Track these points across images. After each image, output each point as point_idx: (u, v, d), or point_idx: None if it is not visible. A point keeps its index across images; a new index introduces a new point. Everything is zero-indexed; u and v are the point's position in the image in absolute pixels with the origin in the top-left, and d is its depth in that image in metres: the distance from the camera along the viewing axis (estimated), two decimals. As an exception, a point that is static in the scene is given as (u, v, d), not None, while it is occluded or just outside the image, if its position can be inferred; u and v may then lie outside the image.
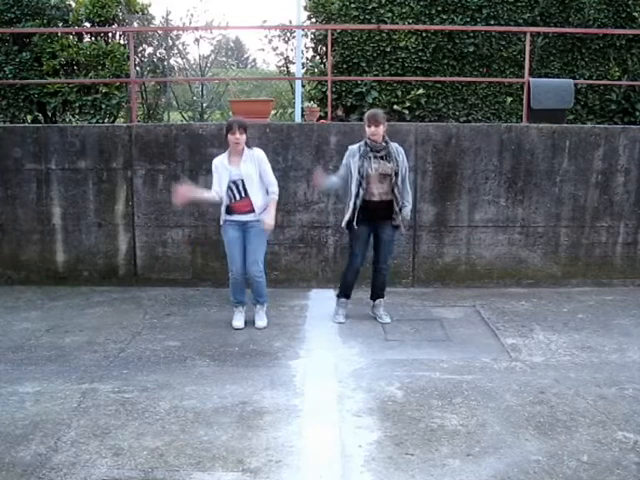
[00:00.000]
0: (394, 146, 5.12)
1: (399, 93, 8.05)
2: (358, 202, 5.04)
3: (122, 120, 8.85)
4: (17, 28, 8.16)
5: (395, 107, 7.99)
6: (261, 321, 5.25)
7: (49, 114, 8.55)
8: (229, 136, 4.97)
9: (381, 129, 5.02)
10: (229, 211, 5.07)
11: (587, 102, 8.13)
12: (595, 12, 7.94)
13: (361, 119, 7.93)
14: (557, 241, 6.42)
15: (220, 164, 5.07)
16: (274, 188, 5.09)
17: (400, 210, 5.10)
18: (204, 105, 12.37)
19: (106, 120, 8.37)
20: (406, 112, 7.97)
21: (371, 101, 7.96)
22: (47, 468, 3.09)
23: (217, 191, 5.07)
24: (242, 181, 4.99)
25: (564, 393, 3.96)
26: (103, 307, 5.78)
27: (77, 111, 8.45)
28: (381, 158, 5.04)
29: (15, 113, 8.40)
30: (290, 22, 10.69)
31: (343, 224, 5.20)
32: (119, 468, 3.09)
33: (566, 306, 5.82)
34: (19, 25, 8.20)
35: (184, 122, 11.18)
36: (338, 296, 5.46)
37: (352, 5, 7.94)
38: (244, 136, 4.97)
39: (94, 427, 3.51)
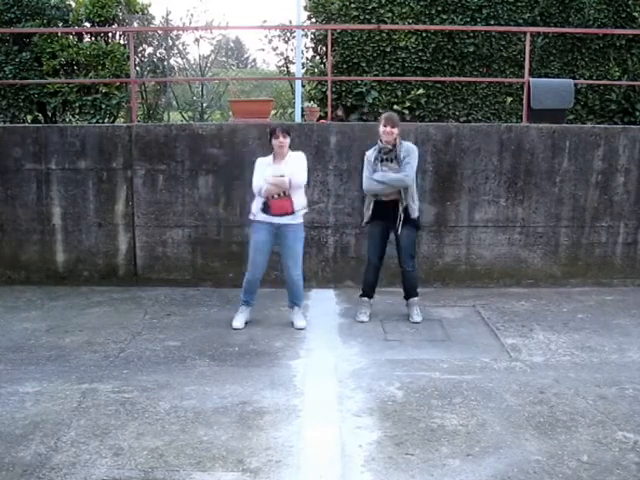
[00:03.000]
0: (405, 148, 5.20)
1: (399, 93, 8.05)
2: (372, 203, 5.26)
3: (122, 120, 8.85)
4: (17, 28, 8.15)
5: (395, 107, 7.97)
6: (301, 321, 5.25)
7: (49, 114, 8.55)
8: (273, 141, 5.02)
9: (395, 131, 5.12)
10: (265, 209, 5.03)
11: (587, 102, 8.13)
12: (595, 12, 7.94)
13: (361, 119, 8.00)
14: (557, 241, 6.42)
15: (265, 162, 5.10)
16: (296, 177, 5.00)
17: (405, 209, 5.17)
18: (204, 105, 12.38)
19: (106, 120, 8.37)
20: (406, 112, 7.96)
21: (371, 101, 7.96)
22: (47, 468, 3.09)
23: (260, 185, 5.00)
24: (281, 177, 4.98)
25: (564, 393, 3.96)
26: (103, 307, 5.77)
27: (77, 111, 8.45)
28: (389, 161, 5.16)
29: (15, 113, 8.40)
30: (290, 22, 10.70)
31: (363, 223, 5.44)
32: (119, 468, 3.09)
33: (566, 306, 5.82)
34: (19, 25, 8.20)
35: (184, 122, 11.19)
36: (360, 296, 5.52)
37: (352, 5, 7.93)
38: (288, 139, 5.04)
39: (94, 427, 3.51)
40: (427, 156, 6.28)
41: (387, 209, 5.21)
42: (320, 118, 8.17)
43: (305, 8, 8.53)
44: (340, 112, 8.12)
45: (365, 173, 5.26)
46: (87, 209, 6.38)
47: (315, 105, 8.63)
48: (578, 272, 6.46)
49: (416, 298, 5.45)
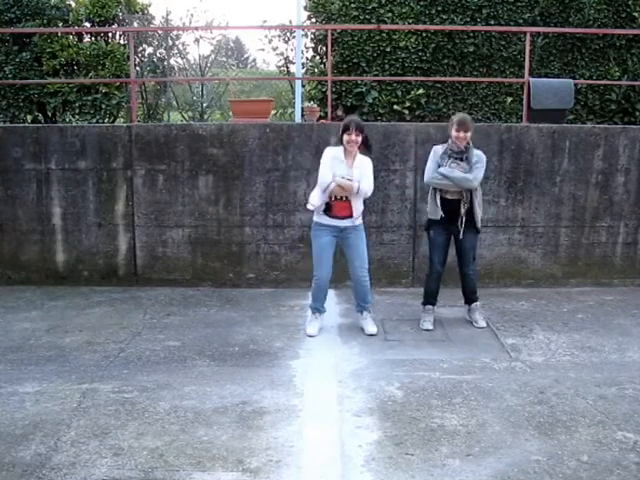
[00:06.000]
0: (477, 153, 5.04)
1: (399, 93, 8.05)
2: (438, 200, 5.02)
3: (122, 120, 8.85)
4: (17, 28, 8.16)
5: (395, 107, 7.99)
6: (372, 327, 5.04)
7: (49, 114, 8.56)
8: (345, 136, 4.73)
9: (469, 135, 4.98)
10: (326, 210, 4.84)
11: (587, 102, 8.13)
12: (595, 12, 7.94)
13: (361, 119, 7.98)
14: (557, 241, 6.42)
15: (338, 156, 4.81)
16: (364, 185, 4.79)
17: (470, 213, 5.01)
18: (204, 105, 12.36)
19: (106, 120, 8.37)
20: (406, 112, 7.97)
21: (371, 101, 7.96)
22: (47, 468, 3.09)
23: (328, 182, 4.74)
24: (350, 182, 4.79)
25: (564, 393, 3.97)
26: (103, 307, 5.77)
27: (77, 111, 8.45)
28: (459, 159, 5.00)
29: (15, 113, 8.40)
30: (290, 22, 10.69)
31: (431, 216, 5.13)
32: (119, 468, 3.10)
33: (566, 306, 5.82)
34: (19, 25, 8.20)
35: (184, 122, 11.18)
36: (423, 304, 5.32)
37: (352, 5, 7.93)
38: (360, 137, 4.75)
39: (94, 427, 3.51)
40: (427, 156, 6.27)
41: (452, 209, 4.99)
42: (320, 118, 8.18)
43: (305, 8, 8.54)
44: (340, 112, 8.12)
45: (429, 164, 5.07)
46: (87, 209, 6.38)
47: (315, 105, 8.63)
48: (578, 272, 6.46)
49: (478, 303, 5.29)
